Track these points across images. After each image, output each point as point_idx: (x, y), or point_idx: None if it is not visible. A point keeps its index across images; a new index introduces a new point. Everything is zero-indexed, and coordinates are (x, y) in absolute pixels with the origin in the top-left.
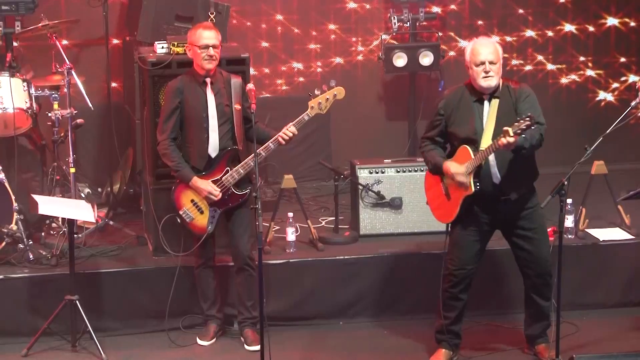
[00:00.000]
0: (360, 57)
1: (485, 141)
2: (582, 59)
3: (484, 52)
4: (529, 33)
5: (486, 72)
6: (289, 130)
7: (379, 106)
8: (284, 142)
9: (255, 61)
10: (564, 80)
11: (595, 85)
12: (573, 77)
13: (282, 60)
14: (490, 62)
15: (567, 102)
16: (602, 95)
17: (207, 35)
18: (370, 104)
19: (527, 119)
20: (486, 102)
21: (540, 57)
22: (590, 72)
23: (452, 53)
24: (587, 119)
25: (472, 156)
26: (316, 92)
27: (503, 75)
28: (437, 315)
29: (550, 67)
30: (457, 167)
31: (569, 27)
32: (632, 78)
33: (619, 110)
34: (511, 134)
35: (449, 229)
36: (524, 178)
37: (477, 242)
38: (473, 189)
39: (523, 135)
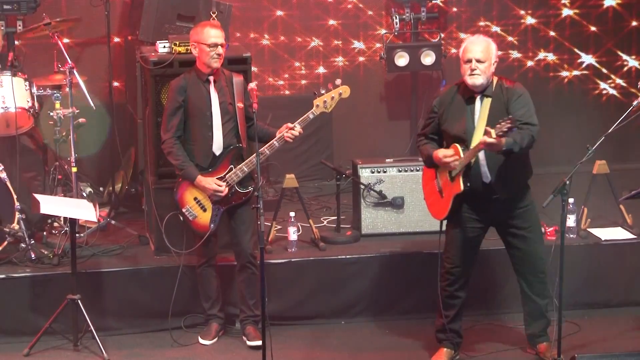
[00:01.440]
0: (361, 58)
1: (476, 140)
2: (582, 54)
3: (473, 50)
4: (529, 21)
5: (472, 70)
6: (295, 130)
7: (381, 105)
8: (290, 141)
9: (256, 60)
10: (564, 74)
11: (596, 76)
12: (575, 72)
13: (283, 60)
14: (478, 60)
15: (569, 98)
16: (604, 87)
17: (215, 34)
18: (372, 103)
19: (509, 120)
20: (478, 101)
21: (541, 54)
22: (590, 61)
23: (454, 50)
24: (588, 116)
25: (462, 155)
26: (321, 90)
27: (503, 70)
28: (437, 315)
29: (550, 57)
30: (445, 151)
31: (567, 12)
32: (631, 63)
33: (620, 103)
34: (493, 135)
35: (444, 227)
36: (515, 178)
37: (470, 239)
38: (462, 187)
39: (512, 139)
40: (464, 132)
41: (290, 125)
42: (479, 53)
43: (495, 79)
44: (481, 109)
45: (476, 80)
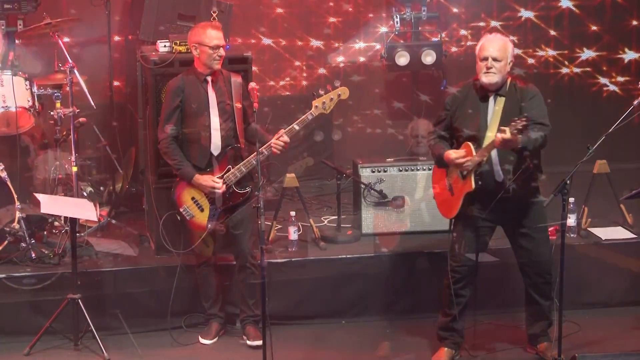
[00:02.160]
0: (362, 58)
1: (488, 139)
2: (584, 50)
3: (489, 48)
4: (529, 18)
5: (487, 68)
6: (282, 139)
7: (381, 105)
8: (277, 152)
9: (257, 60)
10: (564, 70)
11: (597, 73)
12: (576, 69)
13: (284, 59)
14: (494, 59)
15: (569, 95)
16: (604, 83)
17: (217, 36)
18: (373, 102)
19: (524, 118)
20: (491, 100)
21: (541, 51)
22: (590, 56)
23: (454, 49)
24: (589, 113)
25: (474, 153)
26: (320, 91)
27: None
28: (440, 313)
29: (551, 53)
30: (457, 152)
31: (566, 4)
32: (631, 55)
33: (621, 99)
34: (508, 133)
35: (452, 226)
36: (527, 177)
37: (478, 238)
38: (474, 185)
39: (526, 137)
40: (478, 131)
41: (283, 130)
42: (496, 51)
43: (508, 80)
44: (495, 108)
45: (491, 78)
